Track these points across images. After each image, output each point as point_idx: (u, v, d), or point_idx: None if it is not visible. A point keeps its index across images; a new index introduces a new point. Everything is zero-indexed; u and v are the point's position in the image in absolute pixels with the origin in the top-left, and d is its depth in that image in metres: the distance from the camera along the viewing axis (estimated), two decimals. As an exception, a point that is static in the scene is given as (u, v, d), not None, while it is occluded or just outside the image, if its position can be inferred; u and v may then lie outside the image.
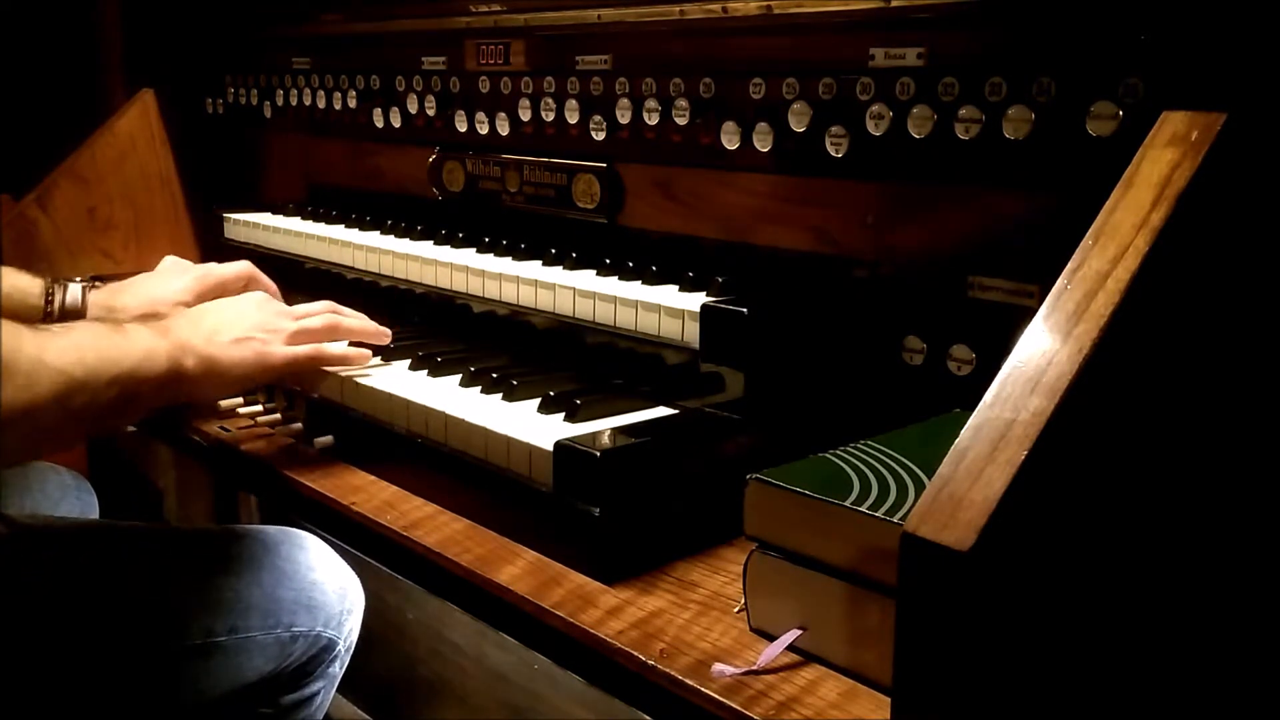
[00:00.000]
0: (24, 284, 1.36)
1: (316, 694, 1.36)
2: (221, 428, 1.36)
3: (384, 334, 1.33)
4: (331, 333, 1.28)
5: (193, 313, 1.22)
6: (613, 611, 0.91)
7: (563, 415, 1.10)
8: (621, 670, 0.85)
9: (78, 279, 1.41)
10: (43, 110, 2.26)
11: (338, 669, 1.39)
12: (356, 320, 1.32)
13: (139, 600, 1.19)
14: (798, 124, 1.18)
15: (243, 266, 1.48)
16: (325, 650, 1.33)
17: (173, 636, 1.19)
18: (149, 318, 1.17)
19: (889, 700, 0.69)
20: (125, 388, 1.03)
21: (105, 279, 1.49)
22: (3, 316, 1.29)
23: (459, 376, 1.24)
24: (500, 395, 1.17)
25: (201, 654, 1.20)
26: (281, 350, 1.22)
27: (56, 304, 1.37)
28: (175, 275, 1.45)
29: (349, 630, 1.37)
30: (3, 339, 0.92)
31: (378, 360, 1.32)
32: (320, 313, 1.29)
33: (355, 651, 1.42)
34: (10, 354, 0.91)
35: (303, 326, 1.25)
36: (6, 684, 1.10)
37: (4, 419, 0.90)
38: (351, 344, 1.29)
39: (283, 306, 1.28)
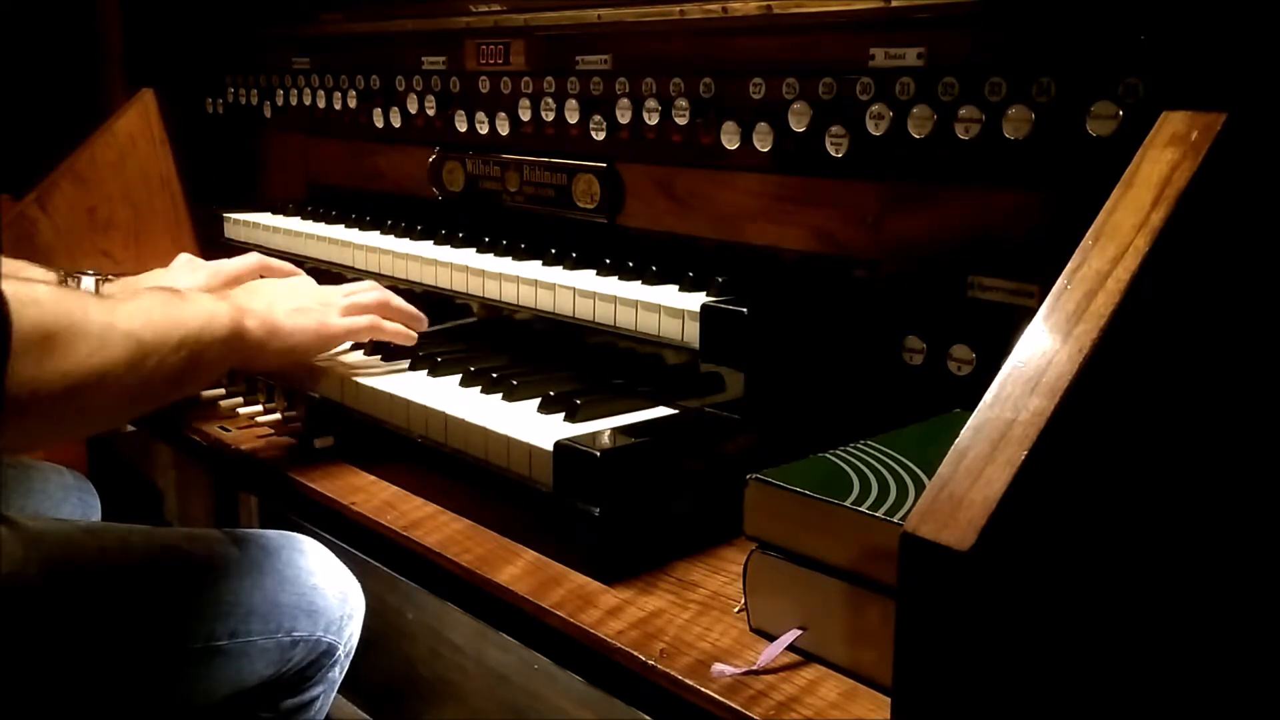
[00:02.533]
0: (39, 276, 1.34)
1: (316, 698, 1.36)
2: (221, 428, 1.36)
3: (422, 319, 1.34)
4: (383, 308, 1.29)
5: (248, 286, 1.24)
6: (613, 611, 0.90)
7: (563, 415, 1.10)
8: (621, 670, 0.85)
9: (90, 272, 1.41)
10: (43, 110, 2.26)
11: (338, 674, 1.39)
12: (401, 300, 1.33)
13: (140, 604, 1.19)
14: (798, 124, 1.18)
15: (253, 259, 1.47)
16: (325, 655, 1.33)
17: (174, 640, 1.19)
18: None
19: (889, 700, 0.69)
20: (192, 350, 1.03)
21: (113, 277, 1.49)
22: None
23: (459, 376, 1.24)
24: (500, 395, 1.17)
25: (202, 658, 1.20)
26: (339, 320, 1.23)
27: None
28: (188, 271, 1.44)
29: (349, 635, 1.37)
30: (71, 305, 0.91)
31: (377, 358, 1.32)
32: (369, 289, 1.31)
33: (355, 652, 1.42)
34: (80, 319, 0.91)
35: (355, 301, 1.27)
36: (8, 686, 1.10)
37: (83, 382, 0.90)
38: None
39: (327, 287, 1.30)
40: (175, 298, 1.06)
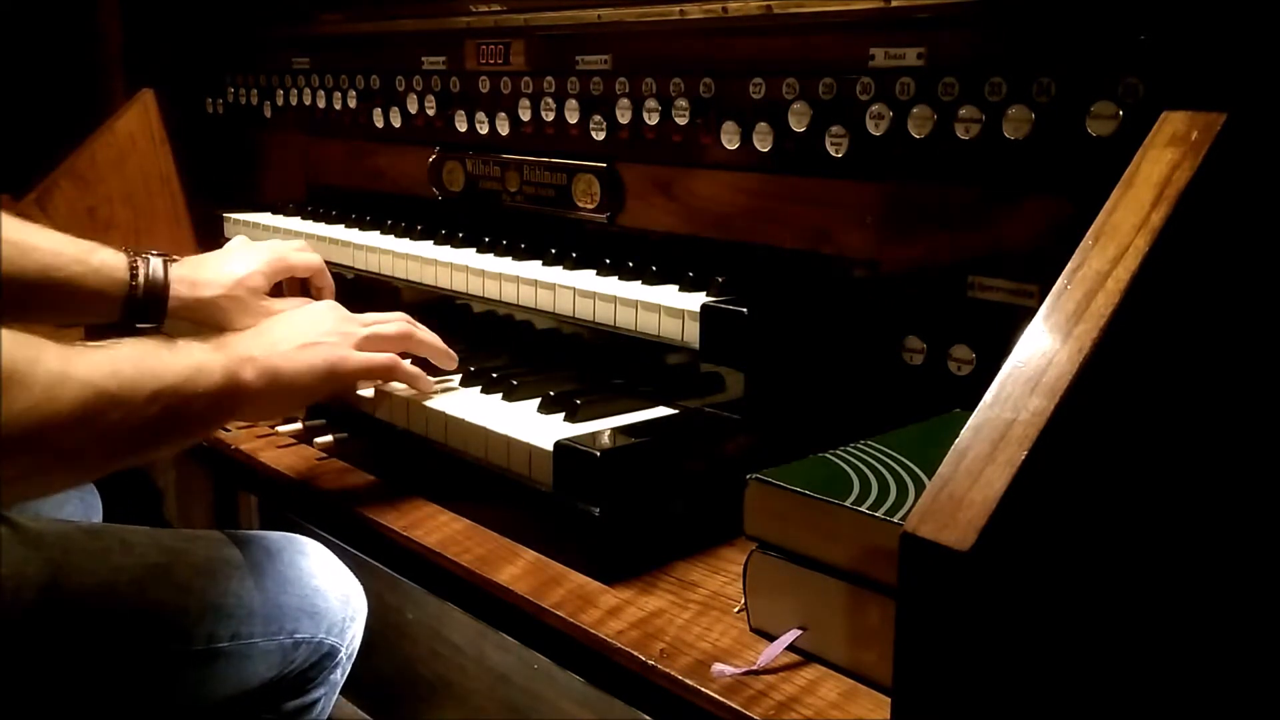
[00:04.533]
0: (109, 258, 1.30)
1: (318, 700, 1.36)
2: (222, 427, 1.36)
3: (452, 357, 1.24)
4: (404, 342, 1.20)
5: (259, 327, 1.15)
6: (613, 611, 0.91)
7: (563, 415, 1.10)
8: (622, 670, 0.85)
9: (155, 252, 1.35)
10: (43, 110, 2.26)
11: (339, 676, 1.39)
12: (429, 335, 1.23)
13: (142, 605, 1.19)
14: (798, 124, 1.18)
15: (314, 259, 1.41)
16: (327, 657, 1.33)
17: (176, 642, 1.19)
18: (210, 338, 1.08)
19: (889, 700, 0.69)
20: (169, 404, 0.93)
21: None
22: (94, 292, 1.26)
23: (459, 376, 1.24)
24: (500, 395, 1.17)
25: (204, 659, 1.20)
26: (354, 357, 1.14)
27: (141, 277, 1.30)
28: (249, 252, 1.40)
29: (351, 637, 1.37)
30: (17, 354, 0.82)
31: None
32: (394, 320, 1.21)
33: (356, 652, 1.42)
34: (25, 368, 0.82)
35: (375, 332, 1.17)
36: (9, 687, 1.10)
37: (23, 435, 0.81)
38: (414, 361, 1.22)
39: (351, 315, 1.20)
40: (160, 347, 0.96)
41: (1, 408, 0.79)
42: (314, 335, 1.12)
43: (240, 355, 1.03)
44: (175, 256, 1.39)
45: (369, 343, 1.16)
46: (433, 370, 1.23)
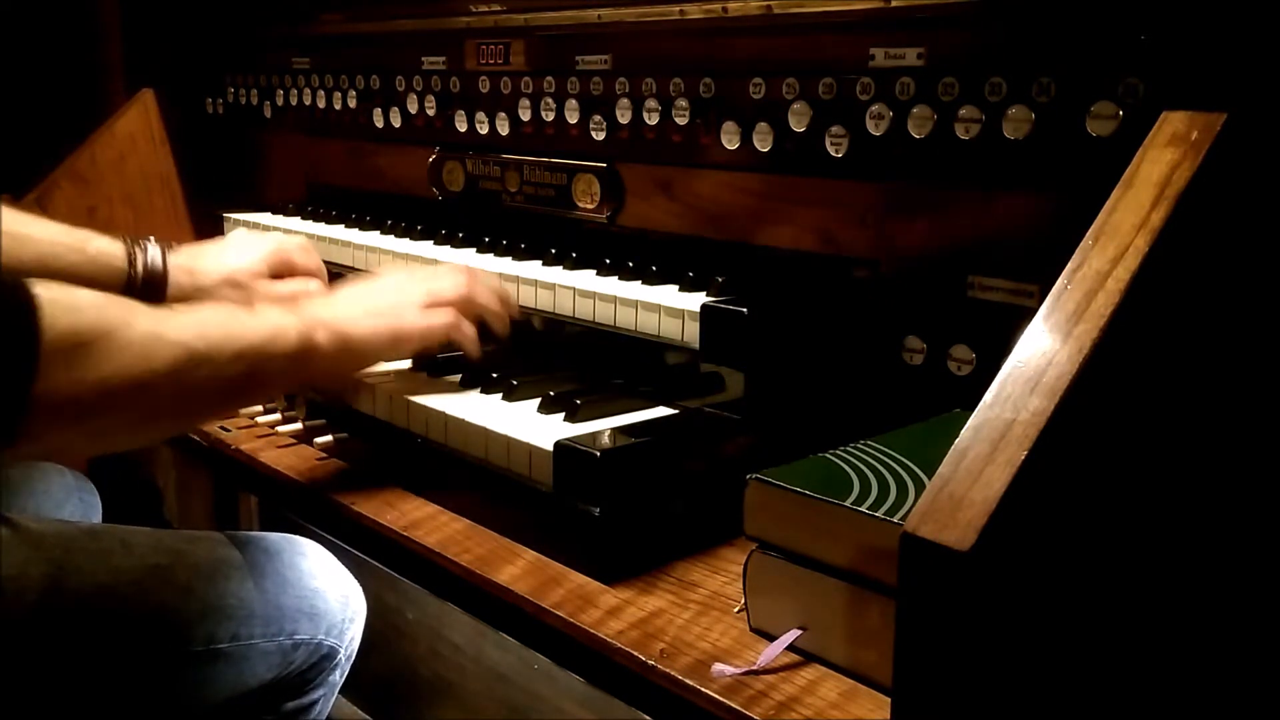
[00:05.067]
0: (107, 246, 1.31)
1: (317, 701, 1.36)
2: (221, 427, 1.36)
3: (505, 320, 1.27)
4: (466, 303, 1.21)
5: (330, 295, 1.19)
6: (613, 611, 0.91)
7: (563, 415, 1.10)
8: (622, 670, 0.85)
9: (154, 240, 1.35)
10: (43, 110, 2.26)
11: (338, 677, 1.39)
12: (487, 295, 1.25)
13: (142, 606, 1.19)
14: (798, 124, 1.18)
15: (316, 262, 1.43)
16: (327, 658, 1.33)
17: (175, 642, 1.19)
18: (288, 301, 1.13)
19: (889, 700, 0.69)
20: (252, 363, 0.98)
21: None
22: (90, 282, 1.27)
23: (459, 376, 1.24)
24: (500, 395, 1.17)
25: (204, 660, 1.20)
26: (417, 324, 1.16)
27: (140, 265, 1.31)
28: (249, 242, 1.41)
29: (350, 638, 1.37)
30: (114, 313, 0.88)
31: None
32: (453, 282, 1.22)
33: (355, 653, 1.42)
34: (122, 327, 0.87)
35: (436, 296, 1.19)
36: (10, 688, 1.10)
37: (121, 390, 0.86)
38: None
39: (414, 276, 1.23)
40: (239, 310, 1.03)
41: (104, 366, 0.85)
42: (381, 303, 1.16)
43: (313, 319, 1.07)
44: (174, 244, 1.38)
45: (430, 302, 1.18)
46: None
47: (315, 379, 1.21)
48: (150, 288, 1.29)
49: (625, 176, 1.41)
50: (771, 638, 0.85)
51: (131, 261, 1.30)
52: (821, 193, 1.20)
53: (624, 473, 0.97)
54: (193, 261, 1.35)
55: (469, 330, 1.21)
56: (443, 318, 1.18)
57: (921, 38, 1.08)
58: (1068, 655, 0.74)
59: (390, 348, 1.16)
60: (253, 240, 1.42)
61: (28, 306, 0.82)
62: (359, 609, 1.40)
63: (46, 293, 0.83)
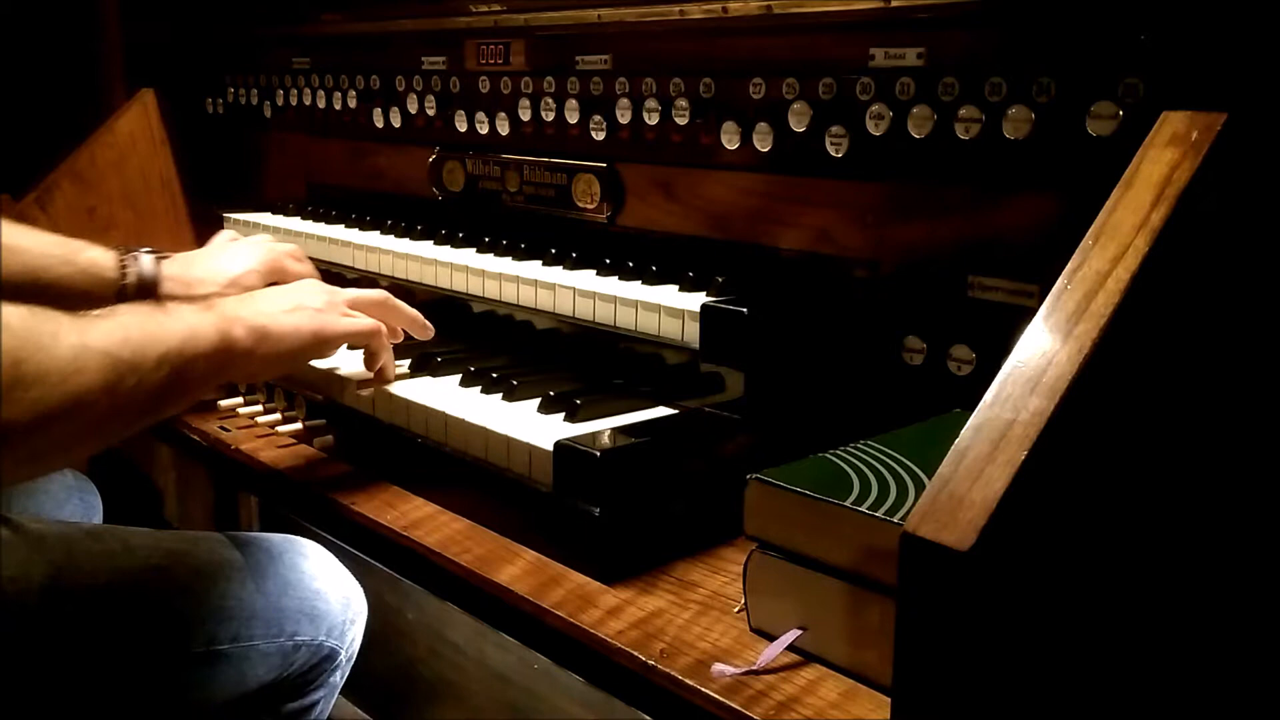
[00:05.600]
0: (98, 257, 1.31)
1: (317, 702, 1.36)
2: (221, 427, 1.36)
3: (428, 327, 1.28)
4: (383, 307, 1.22)
5: (245, 295, 1.17)
6: (613, 611, 0.91)
7: (563, 415, 1.10)
8: (622, 670, 0.85)
9: (147, 250, 1.35)
10: (43, 110, 2.26)
11: (339, 678, 1.39)
12: (407, 306, 1.26)
13: (143, 607, 1.19)
14: (798, 124, 1.18)
15: (309, 270, 1.44)
16: (327, 660, 1.33)
17: (176, 644, 1.19)
18: (201, 299, 1.10)
19: (889, 700, 0.69)
20: (174, 366, 0.94)
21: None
22: (82, 293, 1.26)
23: (459, 376, 1.24)
24: (500, 395, 1.17)
25: (205, 662, 1.20)
26: (339, 321, 1.16)
27: (131, 275, 1.31)
28: (242, 250, 1.41)
29: (351, 640, 1.37)
30: (40, 329, 0.83)
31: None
32: (373, 291, 1.25)
33: (356, 654, 1.42)
34: (49, 343, 0.83)
35: (357, 296, 1.20)
36: (11, 689, 1.10)
37: (56, 411, 0.82)
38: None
39: (332, 287, 1.23)
40: (156, 311, 0.98)
41: (33, 384, 0.80)
42: (300, 301, 1.14)
43: (229, 315, 1.04)
44: (167, 253, 1.38)
45: (353, 305, 1.19)
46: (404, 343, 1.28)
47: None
48: (142, 298, 1.29)
49: (625, 176, 1.41)
50: (771, 638, 0.85)
51: (123, 272, 1.31)
52: (822, 193, 1.20)
53: (624, 473, 0.97)
54: (186, 271, 1.35)
55: (390, 337, 1.22)
56: (367, 322, 1.18)
57: (921, 38, 1.08)
58: (1067, 655, 0.74)
59: (313, 345, 1.13)
60: (245, 246, 1.43)
61: None
62: (360, 610, 1.40)
63: None
